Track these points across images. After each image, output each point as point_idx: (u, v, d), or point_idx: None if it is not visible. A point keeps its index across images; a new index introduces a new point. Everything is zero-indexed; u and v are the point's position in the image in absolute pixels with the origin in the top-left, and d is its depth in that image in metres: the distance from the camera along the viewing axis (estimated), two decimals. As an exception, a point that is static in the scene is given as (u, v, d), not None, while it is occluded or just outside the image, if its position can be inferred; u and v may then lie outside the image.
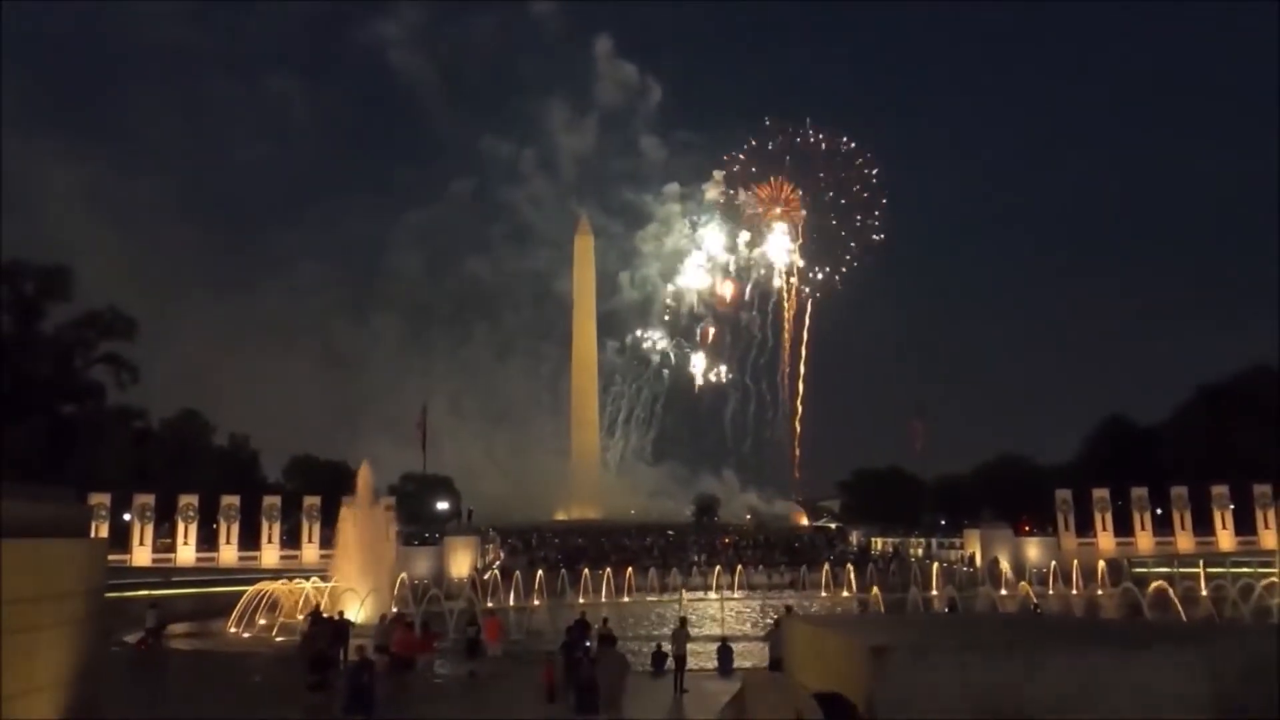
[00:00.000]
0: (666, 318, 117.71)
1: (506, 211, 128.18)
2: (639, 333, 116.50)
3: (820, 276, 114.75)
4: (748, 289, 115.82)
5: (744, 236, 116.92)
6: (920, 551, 73.27)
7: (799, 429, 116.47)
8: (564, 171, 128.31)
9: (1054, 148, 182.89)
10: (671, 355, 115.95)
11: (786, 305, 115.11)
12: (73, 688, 11.38)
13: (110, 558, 36.08)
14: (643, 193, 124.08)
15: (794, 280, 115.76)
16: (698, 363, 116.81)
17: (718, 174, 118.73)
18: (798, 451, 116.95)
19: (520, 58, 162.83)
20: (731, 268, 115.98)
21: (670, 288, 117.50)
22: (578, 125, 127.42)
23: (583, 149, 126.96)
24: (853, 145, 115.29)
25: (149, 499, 58.50)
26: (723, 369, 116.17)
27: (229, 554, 59.38)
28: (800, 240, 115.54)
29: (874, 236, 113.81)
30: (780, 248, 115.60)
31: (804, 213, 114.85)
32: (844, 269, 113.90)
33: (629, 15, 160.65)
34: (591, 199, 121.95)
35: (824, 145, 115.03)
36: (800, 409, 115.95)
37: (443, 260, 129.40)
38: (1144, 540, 64.10)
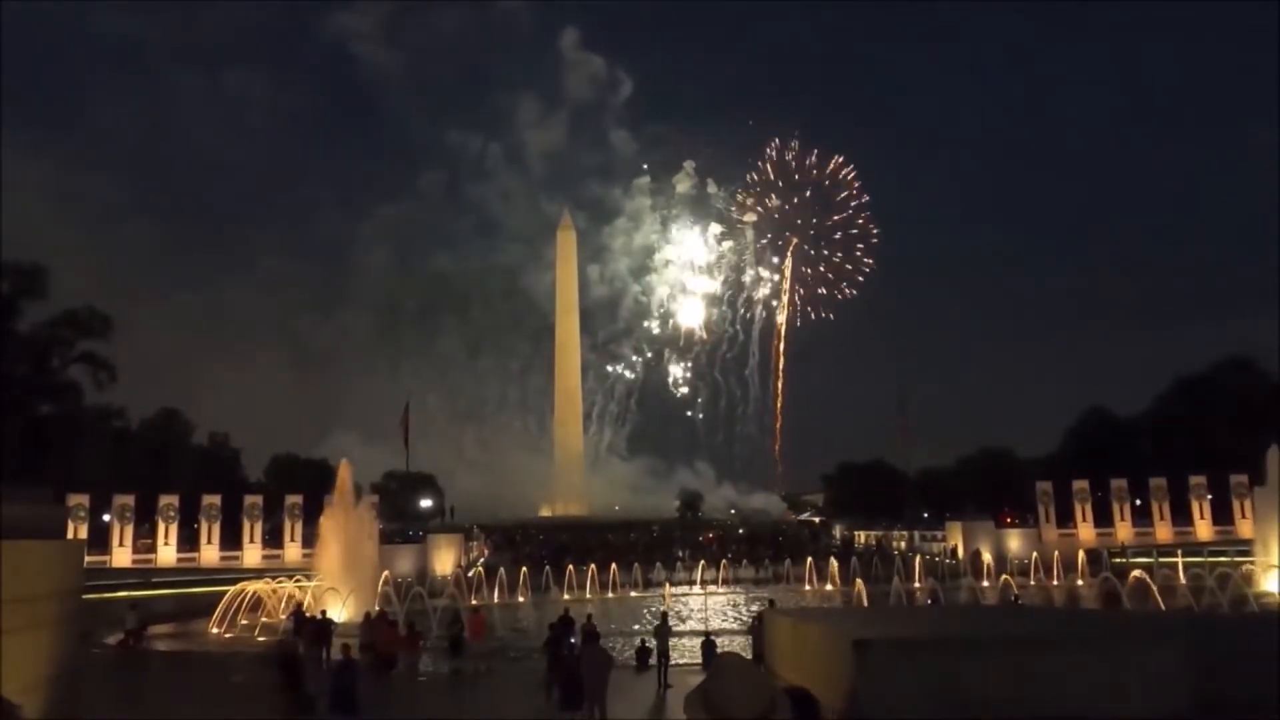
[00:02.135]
0: (647, 324, 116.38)
1: (476, 207, 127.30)
2: (608, 350, 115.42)
3: (799, 275, 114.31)
4: (719, 284, 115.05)
5: (714, 229, 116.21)
6: (903, 544, 73.70)
7: (779, 423, 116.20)
8: (533, 166, 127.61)
9: (1037, 143, 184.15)
10: (646, 351, 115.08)
11: (758, 299, 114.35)
12: (49, 691, 11.26)
13: (90, 559, 35.92)
14: (612, 187, 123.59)
15: (768, 275, 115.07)
16: (670, 358, 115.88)
17: (689, 165, 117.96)
18: (778, 445, 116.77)
19: (488, 52, 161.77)
20: (704, 262, 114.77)
21: (638, 287, 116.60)
22: (546, 119, 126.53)
23: (552, 143, 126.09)
24: (826, 160, 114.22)
25: (129, 499, 58.04)
26: (691, 365, 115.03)
27: (210, 554, 59.00)
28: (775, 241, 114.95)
29: (861, 253, 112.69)
30: (755, 246, 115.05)
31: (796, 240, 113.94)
32: (825, 266, 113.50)
33: (597, 8, 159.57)
34: (561, 193, 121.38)
35: (799, 152, 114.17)
36: (779, 403, 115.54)
37: (412, 256, 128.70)
38: (1123, 531, 64.77)
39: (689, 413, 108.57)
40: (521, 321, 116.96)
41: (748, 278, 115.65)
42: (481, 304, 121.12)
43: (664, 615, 26.67)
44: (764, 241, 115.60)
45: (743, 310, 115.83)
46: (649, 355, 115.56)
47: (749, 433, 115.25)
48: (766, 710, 4.33)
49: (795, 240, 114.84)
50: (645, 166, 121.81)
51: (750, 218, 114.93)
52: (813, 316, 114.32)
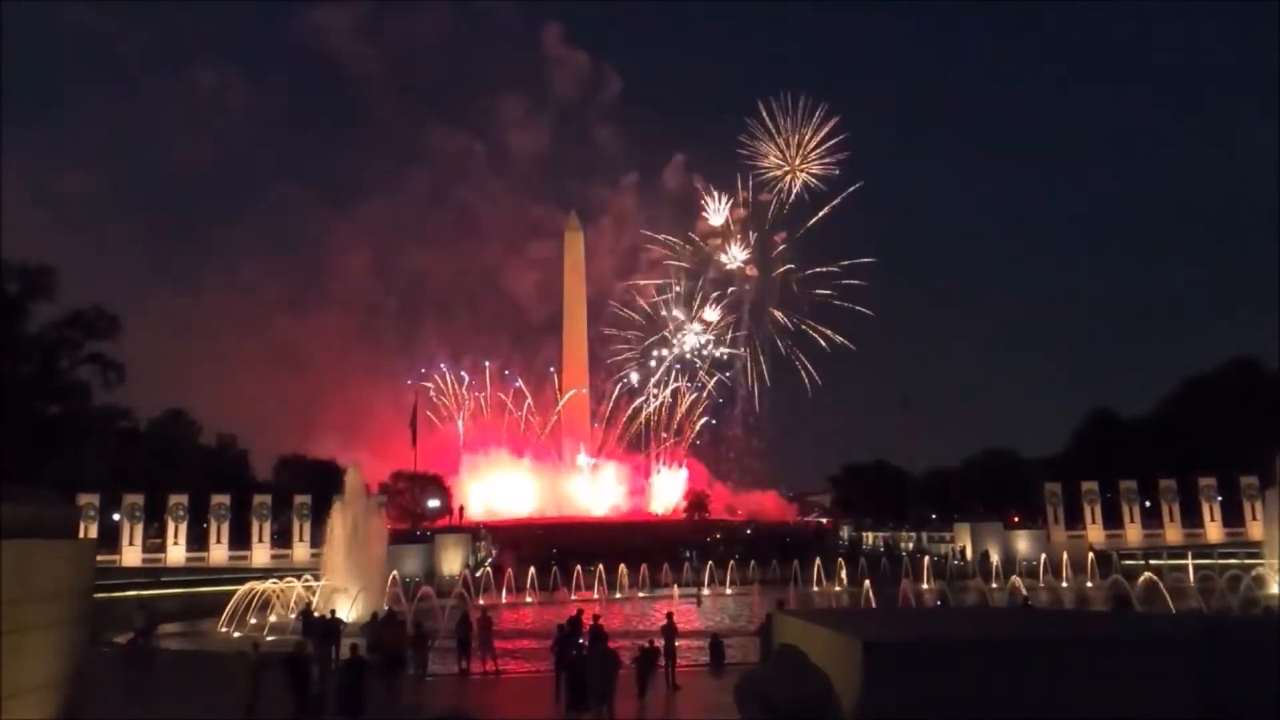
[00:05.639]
0: (637, 324, 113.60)
1: (458, 205, 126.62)
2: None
3: (792, 274, 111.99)
4: (708, 284, 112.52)
5: (705, 227, 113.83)
6: (911, 545, 73.57)
7: (770, 423, 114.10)
8: (517, 164, 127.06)
9: (1042, 142, 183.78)
10: (635, 351, 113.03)
11: (749, 297, 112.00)
12: (60, 689, 11.31)
13: (100, 558, 36.00)
14: (599, 184, 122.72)
15: (759, 273, 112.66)
16: (659, 358, 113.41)
17: (678, 159, 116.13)
18: (762, 445, 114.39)
19: (471, 48, 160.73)
20: (692, 261, 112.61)
21: (623, 285, 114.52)
22: (531, 116, 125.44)
23: (536, 141, 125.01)
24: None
25: (138, 499, 58.38)
26: (681, 364, 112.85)
27: (219, 553, 59.28)
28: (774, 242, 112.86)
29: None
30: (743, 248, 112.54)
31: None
32: (821, 265, 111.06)
33: (583, 4, 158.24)
34: (546, 192, 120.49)
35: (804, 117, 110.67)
36: (770, 402, 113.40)
37: (393, 256, 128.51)
38: (1133, 532, 64.53)
39: (682, 411, 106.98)
40: (503, 323, 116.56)
41: (738, 276, 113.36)
42: (466, 304, 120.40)
43: (670, 616, 26.63)
44: (753, 237, 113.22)
45: (733, 311, 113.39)
46: (638, 354, 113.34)
47: (735, 433, 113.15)
48: (820, 704, 4.35)
49: (787, 237, 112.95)
50: (633, 164, 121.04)
51: (742, 214, 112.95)
52: (809, 315, 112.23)
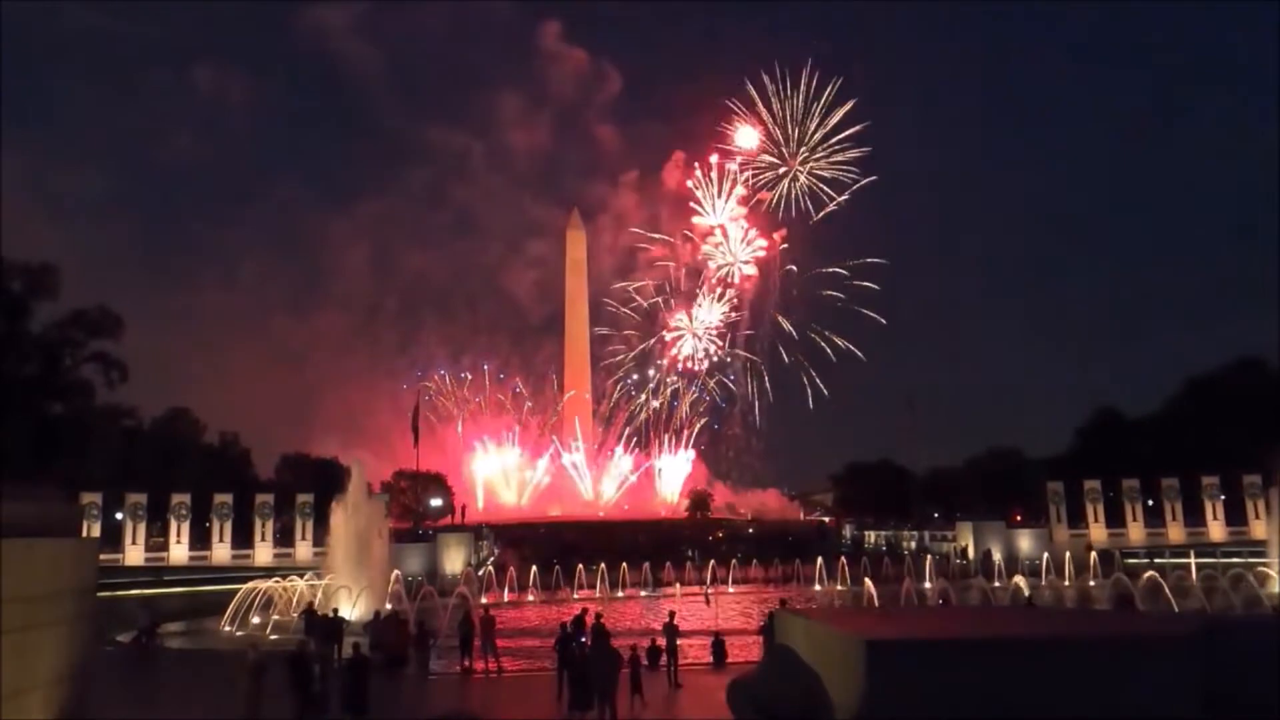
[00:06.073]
0: (635, 322, 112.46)
1: (457, 204, 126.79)
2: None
3: (792, 273, 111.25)
4: (707, 281, 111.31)
5: (704, 224, 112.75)
6: (913, 544, 73.55)
7: (769, 422, 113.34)
8: (516, 163, 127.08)
9: (1046, 140, 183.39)
10: (634, 350, 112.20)
11: (749, 295, 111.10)
12: (64, 688, 11.33)
13: (103, 557, 36.08)
14: (598, 182, 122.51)
15: (758, 271, 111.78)
16: (659, 358, 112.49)
17: (678, 156, 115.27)
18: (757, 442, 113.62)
19: (470, 47, 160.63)
20: (690, 258, 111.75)
21: (622, 284, 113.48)
22: (530, 115, 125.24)
23: (535, 140, 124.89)
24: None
25: (141, 498, 58.44)
26: (680, 363, 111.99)
27: (222, 552, 59.33)
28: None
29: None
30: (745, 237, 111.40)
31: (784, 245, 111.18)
32: (823, 264, 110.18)
33: (582, 1, 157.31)
34: (544, 191, 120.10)
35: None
36: (768, 405, 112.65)
37: (392, 254, 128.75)
38: (1135, 531, 64.48)
39: (684, 412, 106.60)
40: (500, 321, 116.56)
41: (738, 276, 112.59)
42: (464, 303, 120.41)
43: (671, 614, 26.69)
44: (753, 235, 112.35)
45: (735, 311, 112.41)
46: (636, 355, 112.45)
47: (735, 433, 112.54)
48: (811, 704, 4.36)
49: (787, 235, 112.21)
50: (632, 162, 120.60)
51: (744, 212, 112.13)
52: (814, 319, 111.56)
